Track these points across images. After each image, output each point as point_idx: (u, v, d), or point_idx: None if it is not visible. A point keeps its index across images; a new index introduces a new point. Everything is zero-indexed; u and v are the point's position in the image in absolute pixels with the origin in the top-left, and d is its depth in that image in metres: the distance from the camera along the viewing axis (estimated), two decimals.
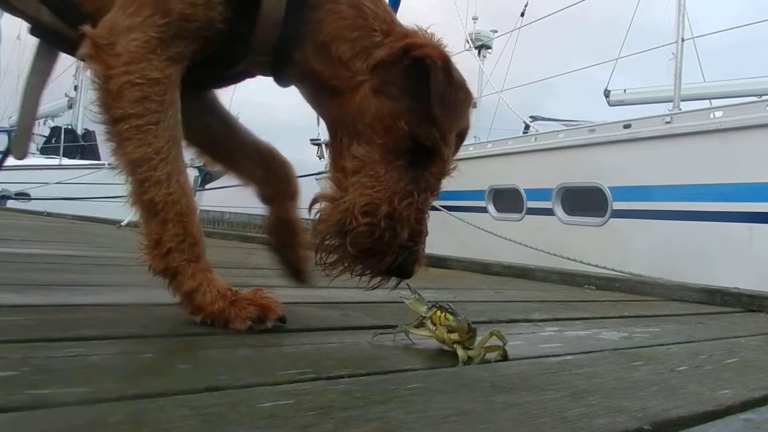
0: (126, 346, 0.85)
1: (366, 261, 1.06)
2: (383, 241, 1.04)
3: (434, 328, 1.03)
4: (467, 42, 12.71)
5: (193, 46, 1.04)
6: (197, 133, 1.29)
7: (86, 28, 1.04)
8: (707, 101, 8.39)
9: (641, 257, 5.30)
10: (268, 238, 1.40)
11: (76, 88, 17.18)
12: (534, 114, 9.12)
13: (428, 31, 1.12)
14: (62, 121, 18.22)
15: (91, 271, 1.92)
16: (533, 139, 6.81)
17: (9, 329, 0.91)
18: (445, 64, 1.07)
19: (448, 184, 1.16)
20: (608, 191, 6.02)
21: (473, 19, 13.84)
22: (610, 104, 9.44)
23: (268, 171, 1.36)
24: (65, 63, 1.57)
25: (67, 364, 0.73)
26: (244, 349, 0.91)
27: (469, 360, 0.95)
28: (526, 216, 6.69)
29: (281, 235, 1.39)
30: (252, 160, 1.36)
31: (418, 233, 1.08)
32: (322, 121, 1.20)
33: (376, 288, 1.11)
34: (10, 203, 12.70)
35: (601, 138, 6.16)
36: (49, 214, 7.86)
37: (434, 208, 1.24)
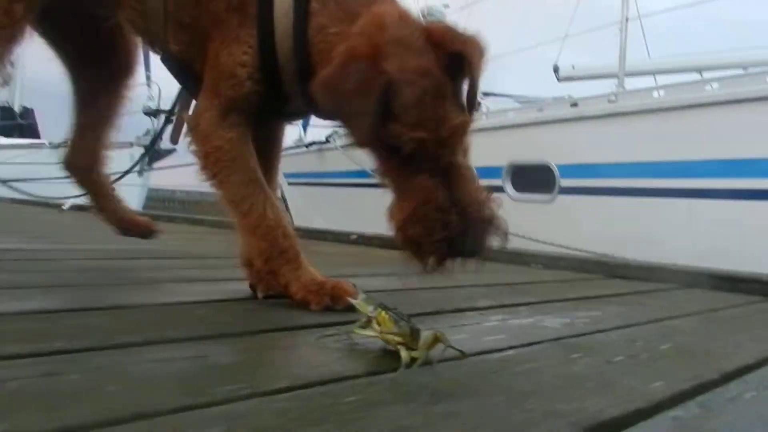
0: (51, 366, 0.81)
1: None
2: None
3: (379, 328, 1.03)
4: (419, 17, 12.58)
5: (249, 109, 1.39)
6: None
7: (184, 115, 1.52)
8: (651, 77, 8.62)
9: (588, 233, 5.48)
10: None
11: (12, 64, 16.24)
12: (487, 90, 9.16)
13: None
14: None
15: (24, 269, 1.83)
16: (484, 117, 6.87)
17: None
18: (368, 55, 1.15)
19: None
20: (556, 168, 6.16)
21: None
22: (559, 80, 9.58)
23: None
24: None
25: None
26: (179, 362, 0.88)
27: (412, 362, 0.95)
28: None
29: None
30: None
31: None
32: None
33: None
34: None
35: (548, 117, 6.28)
36: None
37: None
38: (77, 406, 0.67)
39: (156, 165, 15.06)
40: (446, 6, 14.16)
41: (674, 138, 5.19)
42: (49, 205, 6.30)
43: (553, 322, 1.42)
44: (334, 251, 3.12)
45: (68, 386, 0.74)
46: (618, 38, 8.12)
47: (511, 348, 1.11)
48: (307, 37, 1.31)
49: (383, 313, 1.04)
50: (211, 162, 1.39)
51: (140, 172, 15.28)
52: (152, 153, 15.12)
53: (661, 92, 5.46)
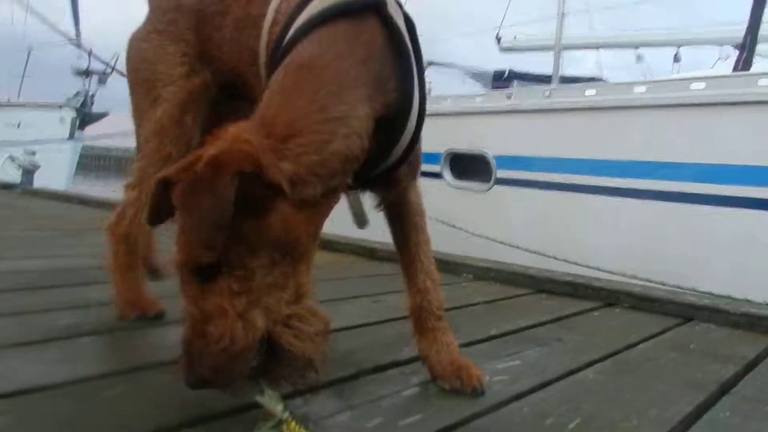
0: None
1: None
2: None
3: None
4: None
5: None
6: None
7: None
8: (593, 51, 8.77)
9: (521, 224, 5.65)
10: None
11: None
12: (432, 60, 9.09)
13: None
14: None
15: None
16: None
17: None
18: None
19: None
20: (492, 159, 6.24)
21: None
22: (501, 50, 9.60)
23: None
24: None
25: None
26: None
27: None
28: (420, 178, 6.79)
29: None
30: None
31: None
32: None
33: None
34: None
35: (486, 107, 6.31)
36: None
37: None
38: None
39: (87, 129, 14.35)
40: None
41: (604, 137, 5.33)
42: (7, 187, 5.98)
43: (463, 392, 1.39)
44: None
45: None
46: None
47: None
48: None
49: (293, 423, 1.03)
50: None
51: (71, 136, 14.53)
52: (84, 116, 14.43)
53: (592, 91, 5.57)
